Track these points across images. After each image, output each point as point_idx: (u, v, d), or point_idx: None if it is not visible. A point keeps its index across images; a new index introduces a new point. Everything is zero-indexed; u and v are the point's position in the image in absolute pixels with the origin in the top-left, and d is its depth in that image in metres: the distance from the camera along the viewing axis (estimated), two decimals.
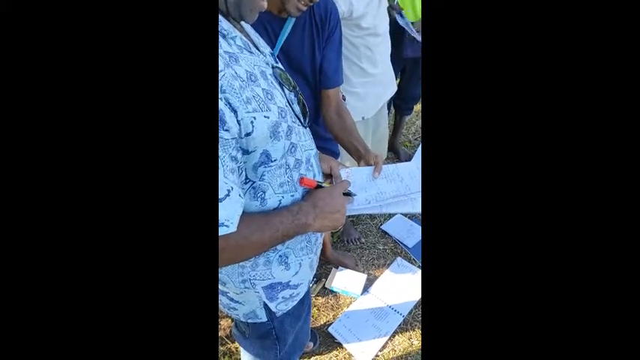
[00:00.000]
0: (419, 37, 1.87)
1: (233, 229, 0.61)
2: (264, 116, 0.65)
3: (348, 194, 0.83)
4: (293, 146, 0.73)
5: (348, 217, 2.14)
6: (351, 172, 0.99)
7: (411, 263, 1.95)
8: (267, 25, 1.07)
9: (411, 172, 1.00)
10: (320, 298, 1.84)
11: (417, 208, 0.92)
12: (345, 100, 1.60)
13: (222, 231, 0.60)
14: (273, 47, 1.07)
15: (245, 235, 0.65)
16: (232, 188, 0.61)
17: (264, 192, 0.72)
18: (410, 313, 1.74)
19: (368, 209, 0.91)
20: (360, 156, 1.08)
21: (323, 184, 0.80)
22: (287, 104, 0.73)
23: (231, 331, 1.05)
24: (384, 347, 1.63)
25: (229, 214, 0.61)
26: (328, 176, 0.94)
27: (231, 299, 0.86)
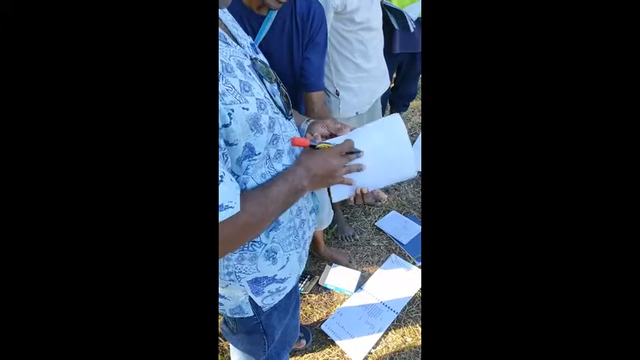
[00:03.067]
0: (412, 27, 1.85)
1: (237, 209, 0.61)
2: (243, 108, 0.64)
3: (351, 152, 0.78)
4: (275, 137, 0.72)
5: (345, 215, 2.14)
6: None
7: (406, 260, 1.94)
8: (246, 22, 1.06)
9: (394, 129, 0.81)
10: (313, 295, 1.83)
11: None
12: (339, 95, 1.58)
13: (229, 213, 0.60)
14: None
15: (252, 212, 0.65)
16: (224, 173, 0.60)
17: (245, 184, 0.71)
18: (403, 310, 1.73)
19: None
20: None
21: (317, 145, 0.78)
22: (266, 96, 0.72)
23: (221, 328, 1.04)
24: (377, 344, 1.63)
25: (230, 196, 0.60)
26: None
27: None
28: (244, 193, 0.66)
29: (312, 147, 0.77)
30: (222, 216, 0.59)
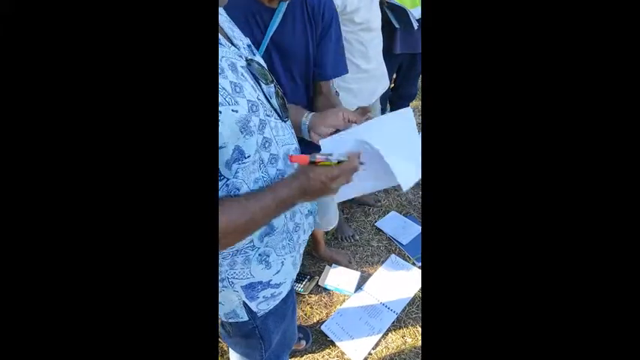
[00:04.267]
0: (416, 25, 1.85)
1: None
2: (232, 110, 0.63)
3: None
4: (267, 141, 0.71)
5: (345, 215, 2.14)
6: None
7: (405, 260, 1.94)
8: (257, 15, 1.05)
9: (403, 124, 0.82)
10: (313, 295, 1.83)
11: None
12: (338, 96, 1.58)
13: None
14: (262, 38, 1.05)
15: (233, 219, 0.64)
16: None
17: (239, 189, 0.70)
18: (403, 310, 1.73)
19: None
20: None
21: (317, 162, 0.70)
22: (259, 98, 0.71)
23: (219, 330, 1.04)
24: (376, 345, 1.62)
25: None
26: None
27: None
28: (229, 198, 0.66)
29: (312, 163, 0.71)
30: None
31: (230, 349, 1.07)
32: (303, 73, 1.18)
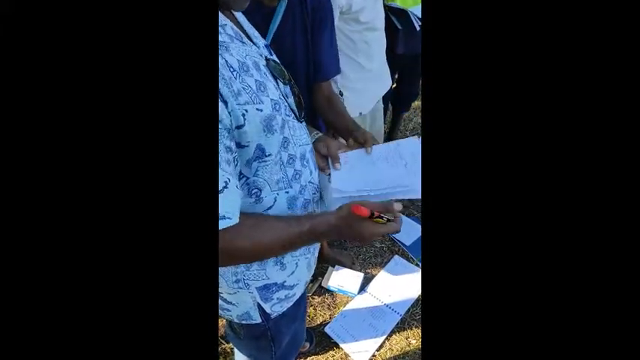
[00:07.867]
0: (417, 26, 1.84)
1: (235, 220, 0.59)
2: (257, 109, 0.62)
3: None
4: (286, 141, 0.71)
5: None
6: (348, 156, 0.90)
7: (409, 261, 1.93)
8: (257, 17, 1.03)
9: (413, 149, 0.89)
10: (316, 297, 1.82)
11: (413, 194, 0.82)
12: (342, 95, 1.57)
13: (224, 224, 0.58)
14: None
15: (243, 244, 0.63)
16: (229, 180, 0.58)
17: (260, 190, 0.69)
18: (407, 312, 1.72)
19: (361, 195, 0.84)
20: (350, 133, 0.96)
21: (384, 218, 0.69)
22: (280, 97, 0.70)
23: (225, 332, 1.02)
24: (381, 347, 1.61)
25: (229, 207, 0.58)
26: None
27: (225, 300, 0.84)
28: (254, 217, 0.66)
29: (370, 216, 0.68)
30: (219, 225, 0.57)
31: (236, 350, 1.06)
32: (306, 75, 1.16)
